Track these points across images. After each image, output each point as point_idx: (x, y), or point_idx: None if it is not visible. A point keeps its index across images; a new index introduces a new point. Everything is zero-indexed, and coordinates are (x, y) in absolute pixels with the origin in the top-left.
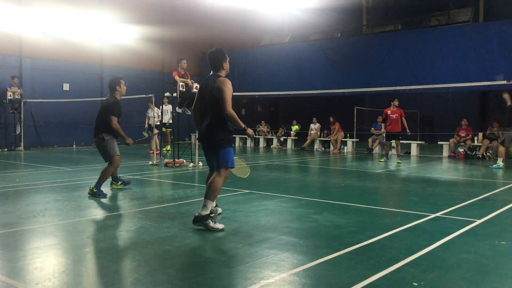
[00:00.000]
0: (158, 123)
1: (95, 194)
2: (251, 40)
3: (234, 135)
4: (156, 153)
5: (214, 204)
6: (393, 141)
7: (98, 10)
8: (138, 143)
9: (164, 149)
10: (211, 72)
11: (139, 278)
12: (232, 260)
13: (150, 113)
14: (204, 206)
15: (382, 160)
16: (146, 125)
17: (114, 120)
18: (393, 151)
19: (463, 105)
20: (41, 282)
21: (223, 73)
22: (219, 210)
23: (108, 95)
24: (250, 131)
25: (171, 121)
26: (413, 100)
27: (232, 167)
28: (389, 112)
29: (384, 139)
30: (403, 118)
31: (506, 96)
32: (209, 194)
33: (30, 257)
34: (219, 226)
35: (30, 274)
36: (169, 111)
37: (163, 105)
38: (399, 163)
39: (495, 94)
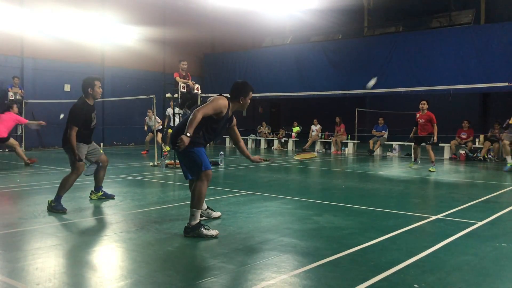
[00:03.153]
0: (160, 127)
1: (54, 208)
2: (253, 41)
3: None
4: (164, 154)
5: (205, 207)
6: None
7: (100, 11)
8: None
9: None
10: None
11: (140, 279)
12: (232, 262)
13: (148, 121)
14: (192, 215)
15: (411, 164)
16: (146, 128)
17: (73, 130)
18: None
19: (464, 107)
20: (42, 283)
21: (236, 105)
22: (215, 214)
23: (80, 97)
24: (185, 139)
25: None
26: (414, 102)
27: (209, 169)
28: (417, 115)
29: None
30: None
31: None
32: (195, 203)
33: (30, 258)
34: (213, 232)
35: (31, 275)
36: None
37: (169, 109)
38: (431, 171)
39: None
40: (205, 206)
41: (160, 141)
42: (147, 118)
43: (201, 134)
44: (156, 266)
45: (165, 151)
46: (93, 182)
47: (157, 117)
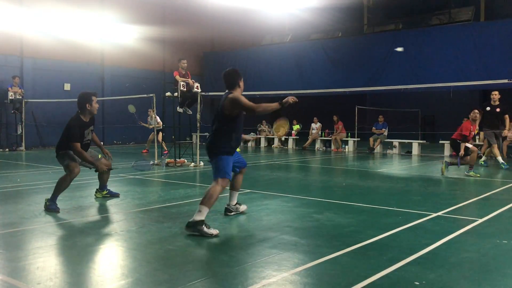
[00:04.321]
0: (161, 127)
1: (48, 208)
2: (252, 39)
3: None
4: (165, 153)
5: (234, 202)
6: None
7: (99, 10)
8: (137, 169)
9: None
10: (226, 91)
11: (141, 278)
12: (233, 260)
13: (150, 121)
14: (199, 211)
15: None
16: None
17: (76, 146)
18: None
19: (465, 104)
20: (43, 282)
21: (238, 91)
22: (243, 207)
23: (75, 113)
24: (290, 99)
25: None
26: (414, 100)
27: (229, 179)
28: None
29: None
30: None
31: (496, 96)
32: (205, 201)
33: (31, 257)
34: (213, 231)
35: (31, 274)
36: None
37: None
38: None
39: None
40: (234, 201)
41: (160, 140)
42: (148, 118)
43: (234, 137)
44: (157, 265)
45: (165, 150)
46: (94, 182)
47: (157, 117)
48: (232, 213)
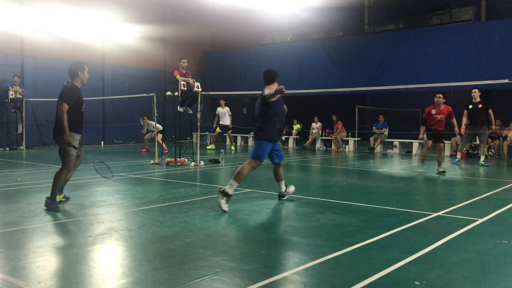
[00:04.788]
0: (161, 128)
1: (48, 207)
2: (253, 39)
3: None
4: (165, 152)
5: (283, 188)
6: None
7: (100, 9)
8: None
9: (209, 147)
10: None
11: (141, 277)
12: (233, 259)
13: (147, 127)
14: (230, 184)
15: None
16: (145, 131)
17: (64, 106)
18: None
19: (465, 104)
20: (43, 281)
21: (274, 86)
22: (290, 189)
23: (66, 82)
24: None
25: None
26: (415, 99)
27: (259, 160)
28: (433, 111)
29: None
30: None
31: (477, 93)
32: (236, 176)
33: (32, 256)
34: (225, 208)
35: (32, 273)
36: (226, 114)
37: (220, 108)
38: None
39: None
40: (283, 188)
41: (160, 141)
42: (145, 125)
43: (277, 120)
44: (157, 264)
45: (166, 150)
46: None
47: (153, 123)
48: (285, 198)
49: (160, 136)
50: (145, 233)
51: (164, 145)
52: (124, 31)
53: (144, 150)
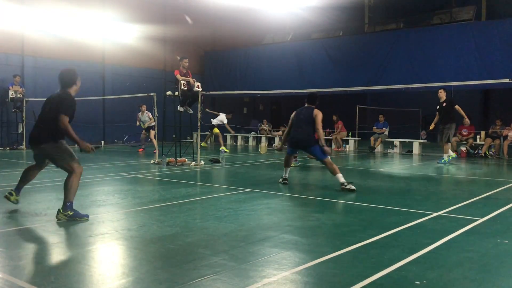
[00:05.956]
0: (153, 124)
1: (73, 217)
2: (253, 38)
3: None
4: (154, 152)
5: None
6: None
7: (100, 9)
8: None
9: (202, 144)
10: (306, 104)
11: (141, 277)
12: (234, 259)
13: (141, 116)
14: (338, 179)
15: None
16: (138, 123)
17: (65, 120)
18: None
19: (465, 104)
20: (44, 280)
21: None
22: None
23: (59, 90)
24: (327, 149)
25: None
26: (415, 99)
27: (327, 157)
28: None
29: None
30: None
31: (442, 93)
32: (334, 172)
33: (32, 256)
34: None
35: (32, 273)
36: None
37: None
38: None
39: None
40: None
41: (153, 138)
42: (139, 113)
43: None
44: (157, 264)
45: (155, 149)
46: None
47: (149, 113)
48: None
49: (152, 132)
50: (145, 233)
51: (155, 144)
52: (125, 30)
53: (140, 149)
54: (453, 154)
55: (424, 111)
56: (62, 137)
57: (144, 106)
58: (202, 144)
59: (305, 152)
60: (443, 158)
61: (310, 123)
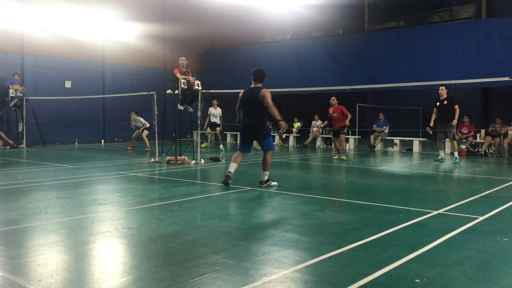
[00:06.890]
0: (148, 125)
1: (268, 183)
2: (253, 37)
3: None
4: (147, 150)
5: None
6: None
7: (100, 8)
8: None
9: (203, 145)
10: (253, 84)
11: (141, 275)
12: (234, 257)
13: (135, 123)
14: (265, 175)
15: (336, 157)
16: (133, 126)
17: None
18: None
19: (466, 102)
20: (44, 279)
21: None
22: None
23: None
24: (283, 124)
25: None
26: (415, 97)
27: (273, 149)
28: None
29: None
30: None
31: (443, 90)
32: (266, 167)
33: (32, 254)
34: (274, 183)
35: (33, 271)
36: (218, 115)
37: (213, 109)
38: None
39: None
40: (265, 176)
41: (145, 137)
42: (132, 121)
43: (267, 122)
44: (157, 262)
45: (147, 147)
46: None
47: (140, 118)
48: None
49: (146, 132)
50: (145, 231)
51: (147, 142)
52: (124, 29)
53: (130, 148)
54: (444, 156)
55: (424, 109)
56: None
57: (134, 113)
58: (203, 145)
59: (258, 142)
60: (455, 157)
61: (260, 107)
